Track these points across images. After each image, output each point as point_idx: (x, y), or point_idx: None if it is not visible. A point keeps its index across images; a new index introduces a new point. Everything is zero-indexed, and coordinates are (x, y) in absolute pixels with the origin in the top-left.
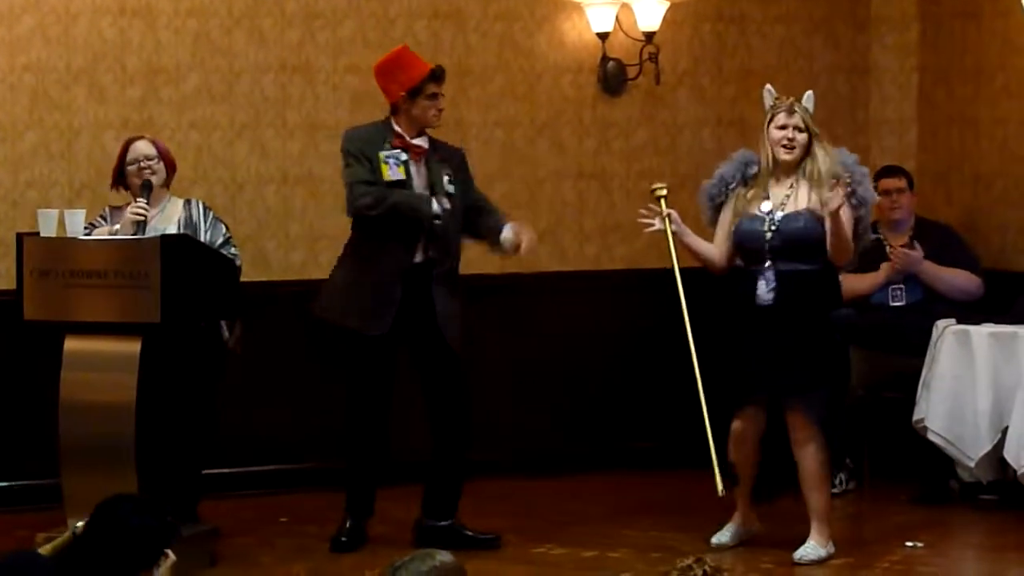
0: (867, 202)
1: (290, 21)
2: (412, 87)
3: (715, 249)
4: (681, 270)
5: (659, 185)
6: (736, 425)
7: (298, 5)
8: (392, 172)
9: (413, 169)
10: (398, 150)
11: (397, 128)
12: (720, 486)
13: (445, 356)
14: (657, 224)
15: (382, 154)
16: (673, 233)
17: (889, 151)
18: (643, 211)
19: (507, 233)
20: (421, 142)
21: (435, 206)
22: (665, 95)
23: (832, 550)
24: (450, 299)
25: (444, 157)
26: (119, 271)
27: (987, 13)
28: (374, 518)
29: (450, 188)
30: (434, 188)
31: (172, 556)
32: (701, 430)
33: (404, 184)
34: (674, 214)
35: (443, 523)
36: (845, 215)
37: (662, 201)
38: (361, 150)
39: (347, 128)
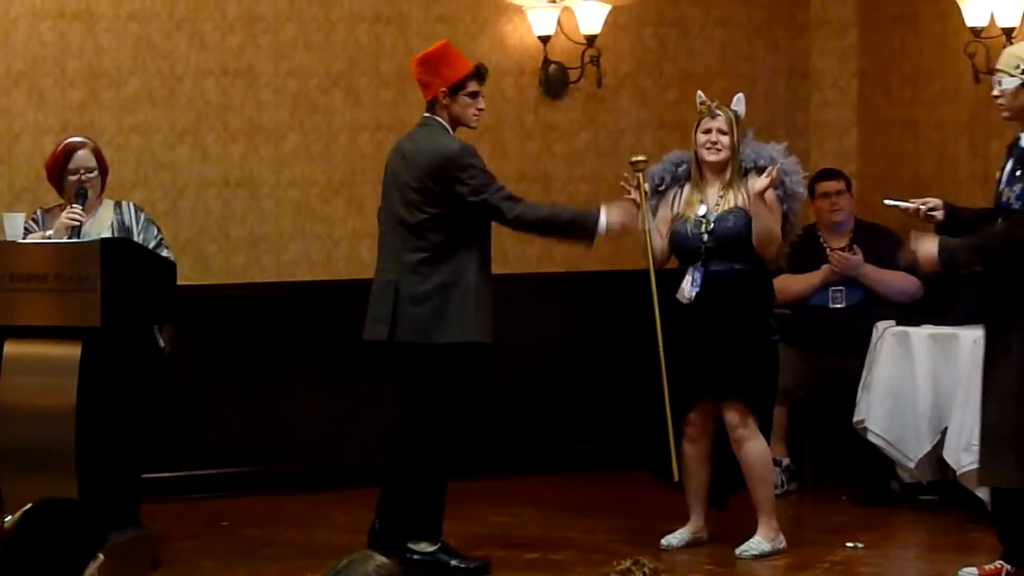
0: (795, 196)
1: (231, 25)
2: (454, 83)
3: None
4: (625, 273)
5: (638, 157)
6: (685, 426)
7: (239, 9)
8: None
9: None
10: None
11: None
12: (676, 472)
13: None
14: (634, 195)
15: None
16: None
17: (829, 154)
18: (623, 181)
19: None
20: None
21: (602, 220)
22: (607, 98)
23: (782, 544)
24: None
25: None
26: (59, 275)
27: (924, 18)
28: (325, 523)
29: None
30: None
31: (100, 557)
32: (645, 431)
33: None
34: (648, 187)
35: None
36: (771, 201)
37: (640, 174)
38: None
39: (436, 145)
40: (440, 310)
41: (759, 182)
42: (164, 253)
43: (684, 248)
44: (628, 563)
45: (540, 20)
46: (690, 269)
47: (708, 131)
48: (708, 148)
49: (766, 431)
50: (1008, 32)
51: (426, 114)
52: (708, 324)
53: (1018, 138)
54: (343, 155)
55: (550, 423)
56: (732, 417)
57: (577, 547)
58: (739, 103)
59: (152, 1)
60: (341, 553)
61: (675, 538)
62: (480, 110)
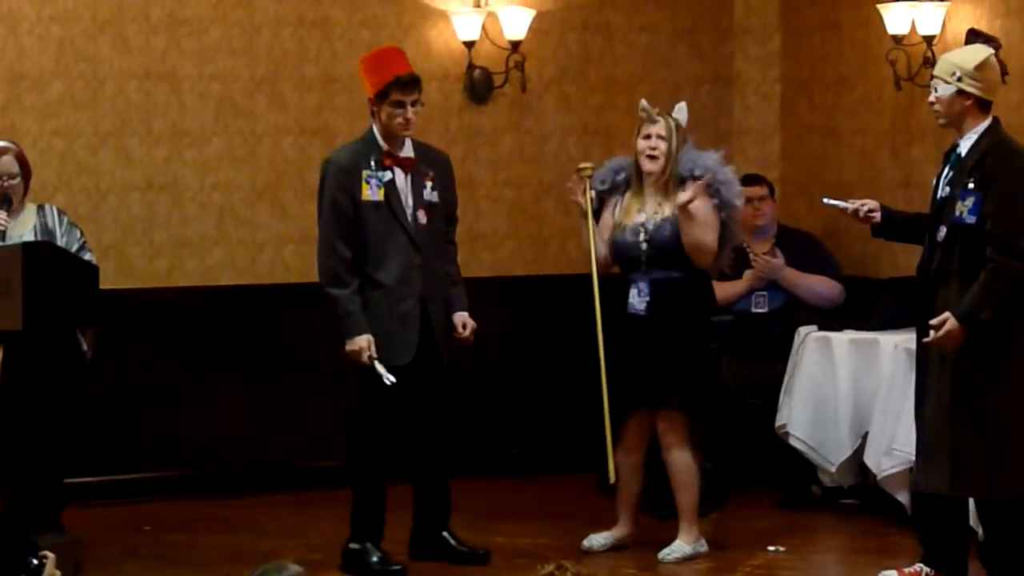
0: (732, 206)
1: (155, 28)
2: (377, 91)
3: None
4: (562, 277)
5: (585, 164)
6: (621, 435)
7: (163, 12)
8: (371, 192)
9: (400, 183)
10: (383, 171)
11: (383, 143)
12: (612, 474)
13: (439, 369)
14: (580, 201)
15: (365, 173)
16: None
17: (752, 160)
18: (569, 186)
19: (458, 318)
20: (408, 153)
21: (363, 346)
22: (531, 103)
23: (703, 548)
24: (444, 312)
25: (429, 163)
26: None
27: (847, 24)
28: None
29: (432, 197)
30: (415, 200)
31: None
32: (580, 436)
33: (380, 206)
34: (594, 194)
35: (436, 534)
36: (701, 212)
37: (587, 181)
38: (341, 184)
39: (333, 152)
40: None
41: (681, 195)
42: (87, 257)
43: (624, 256)
44: (552, 567)
45: (465, 25)
46: (634, 280)
47: (648, 137)
48: (647, 156)
49: (713, 438)
50: (929, 40)
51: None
52: (647, 332)
53: (956, 145)
54: (267, 159)
55: (477, 427)
56: (663, 424)
57: (502, 551)
58: (681, 112)
59: (75, 4)
60: (265, 558)
61: (596, 540)
62: (407, 120)
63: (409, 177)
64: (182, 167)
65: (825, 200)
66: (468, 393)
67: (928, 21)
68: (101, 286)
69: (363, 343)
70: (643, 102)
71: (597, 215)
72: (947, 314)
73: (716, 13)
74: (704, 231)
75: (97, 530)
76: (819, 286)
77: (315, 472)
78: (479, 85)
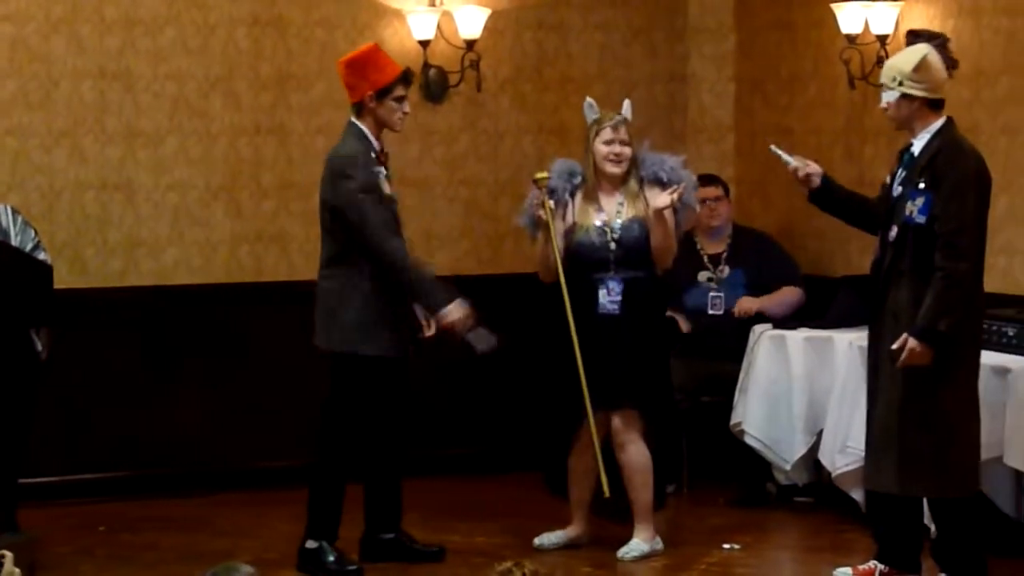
0: (691, 209)
1: (109, 27)
2: (381, 87)
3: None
4: (517, 276)
5: (541, 174)
6: (579, 435)
7: (118, 12)
8: (387, 187)
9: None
10: (379, 167)
11: (373, 140)
12: (606, 488)
13: (406, 367)
14: (541, 213)
15: (376, 169)
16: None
17: (707, 159)
18: (532, 198)
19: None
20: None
21: (448, 308)
22: (486, 102)
23: (659, 546)
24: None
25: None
26: None
27: (801, 24)
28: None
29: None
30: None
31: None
32: (523, 436)
33: (392, 199)
34: (552, 203)
35: (390, 535)
36: (670, 217)
37: (545, 190)
38: (370, 178)
39: (337, 153)
40: (333, 317)
41: (661, 199)
42: (41, 256)
43: (590, 257)
44: (509, 564)
45: (420, 24)
46: (602, 280)
47: (610, 142)
48: (611, 160)
49: (667, 437)
50: (882, 39)
51: (351, 118)
52: (619, 332)
53: (910, 145)
54: (222, 159)
55: (429, 427)
56: (619, 422)
57: (458, 550)
58: (628, 110)
59: (28, 3)
60: (221, 558)
61: (548, 539)
62: (405, 114)
63: (387, 171)
64: (136, 167)
65: (773, 148)
66: (418, 393)
67: (881, 21)
68: (55, 286)
69: (465, 309)
70: (591, 102)
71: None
72: (904, 335)
73: (671, 12)
74: (674, 235)
75: (52, 530)
76: (786, 299)
77: (270, 472)
78: (434, 84)
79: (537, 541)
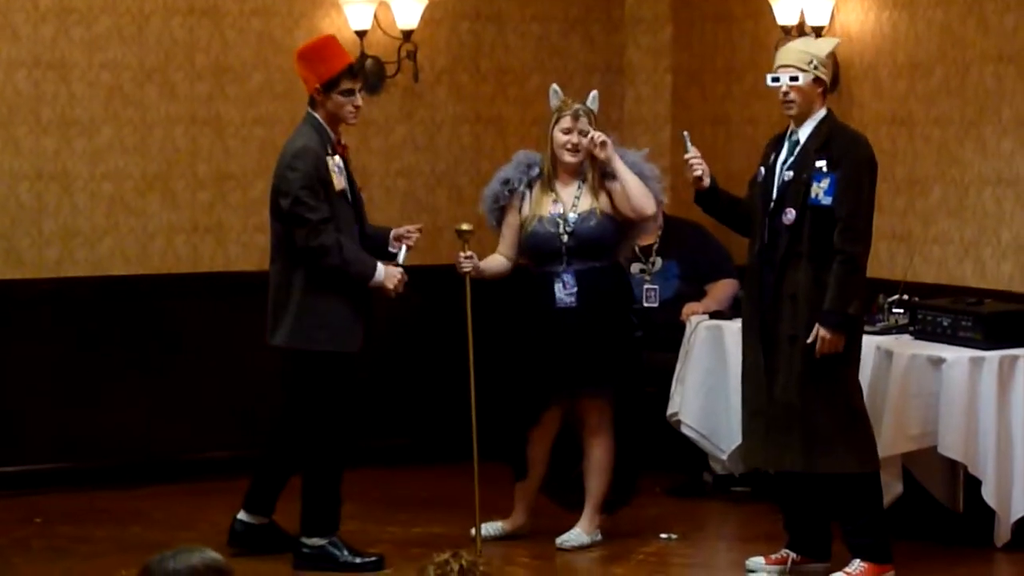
0: (659, 200)
1: (43, 16)
2: (327, 80)
3: (502, 257)
4: (453, 267)
5: (465, 227)
6: (534, 427)
7: (52, 0)
8: (339, 180)
9: (343, 169)
10: (338, 156)
11: (329, 131)
12: (479, 547)
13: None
14: (465, 265)
15: (329, 162)
16: (472, 277)
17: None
18: (459, 255)
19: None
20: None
21: (378, 272)
22: (424, 93)
23: (599, 538)
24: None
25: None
26: None
27: (738, 15)
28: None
29: (355, 179)
30: (350, 184)
31: None
32: (458, 426)
33: (344, 194)
34: (475, 258)
35: (263, 520)
36: (624, 171)
37: (466, 244)
38: (317, 169)
39: (291, 143)
40: (275, 310)
41: (598, 152)
42: None
43: (542, 248)
44: (447, 555)
45: (357, 14)
46: (556, 273)
47: (569, 131)
48: (569, 149)
49: (629, 428)
50: (818, 31)
51: (308, 109)
52: (578, 324)
53: (792, 132)
54: (158, 148)
55: (366, 417)
56: (589, 411)
57: (395, 541)
58: (594, 101)
59: None
60: (156, 549)
61: (486, 529)
62: (356, 107)
63: (343, 162)
64: (72, 156)
65: (684, 133)
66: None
67: (817, 12)
68: None
69: (393, 272)
70: (556, 89)
71: (500, 219)
72: (817, 326)
73: (608, 3)
74: (640, 189)
75: None
76: (727, 292)
77: (205, 463)
78: (371, 75)
79: (472, 532)
